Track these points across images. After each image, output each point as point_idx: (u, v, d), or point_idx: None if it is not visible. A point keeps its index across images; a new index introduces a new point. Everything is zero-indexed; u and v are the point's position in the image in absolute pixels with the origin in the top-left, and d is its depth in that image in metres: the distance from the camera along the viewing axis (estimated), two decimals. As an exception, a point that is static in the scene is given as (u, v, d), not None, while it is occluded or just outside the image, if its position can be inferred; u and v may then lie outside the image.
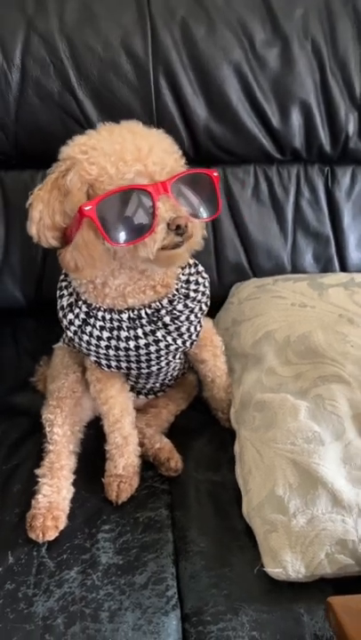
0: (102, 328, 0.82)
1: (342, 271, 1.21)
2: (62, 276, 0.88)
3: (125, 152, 0.71)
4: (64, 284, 0.87)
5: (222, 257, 1.19)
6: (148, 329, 0.82)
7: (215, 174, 0.78)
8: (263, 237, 1.18)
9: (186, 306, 0.84)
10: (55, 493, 0.83)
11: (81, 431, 0.93)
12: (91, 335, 0.83)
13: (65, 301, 0.85)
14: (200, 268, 0.90)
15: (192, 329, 0.85)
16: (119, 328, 0.82)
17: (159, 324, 0.82)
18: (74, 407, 0.91)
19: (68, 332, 0.85)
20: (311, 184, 1.18)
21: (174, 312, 0.83)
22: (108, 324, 0.82)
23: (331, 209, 1.19)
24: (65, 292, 0.86)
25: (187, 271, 0.88)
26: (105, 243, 0.73)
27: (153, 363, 0.86)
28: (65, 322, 0.85)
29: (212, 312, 1.11)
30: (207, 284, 0.89)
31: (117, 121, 0.81)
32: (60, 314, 0.86)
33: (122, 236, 0.72)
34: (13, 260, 1.16)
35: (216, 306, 1.14)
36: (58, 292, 0.87)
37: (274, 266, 1.19)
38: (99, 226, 0.70)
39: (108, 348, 0.83)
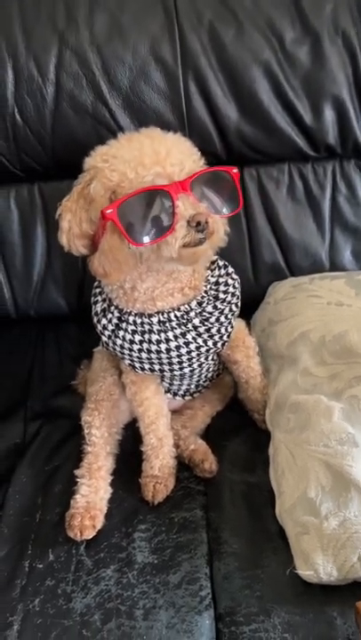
0: (134, 332, 0.84)
1: (383, 267, 1.19)
2: (96, 283, 0.91)
3: (144, 156, 0.74)
4: (98, 290, 0.90)
5: (258, 257, 1.19)
6: (178, 331, 0.83)
7: (234, 171, 0.78)
8: (300, 236, 1.18)
9: (215, 307, 0.85)
10: (93, 493, 0.85)
11: (118, 433, 0.96)
12: (123, 339, 0.85)
13: (99, 307, 0.88)
14: (230, 269, 0.90)
15: (222, 330, 0.86)
16: (150, 331, 0.84)
17: (189, 326, 0.84)
18: (111, 409, 0.94)
19: (103, 337, 0.87)
20: (348, 180, 1.16)
21: (204, 314, 0.84)
22: (139, 328, 0.84)
23: (369, 204, 1.17)
24: (99, 297, 0.89)
25: (216, 273, 0.89)
26: (129, 245, 0.75)
27: (185, 365, 0.88)
28: (99, 327, 0.87)
29: (250, 313, 1.12)
30: (237, 285, 0.89)
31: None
32: (95, 319, 0.89)
33: (144, 236, 0.73)
34: (56, 269, 1.21)
35: (253, 306, 1.14)
36: (92, 298, 0.90)
37: (312, 264, 1.18)
38: (120, 227, 0.72)
39: (140, 351, 0.85)
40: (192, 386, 0.98)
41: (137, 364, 0.88)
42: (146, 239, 0.74)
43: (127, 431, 0.98)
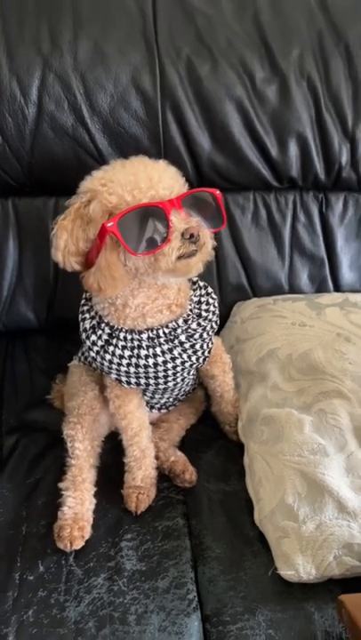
0: (124, 347, 0.88)
1: (336, 290, 1.29)
2: (83, 301, 0.94)
3: (140, 181, 0.80)
4: (85, 307, 0.93)
5: (224, 278, 1.26)
6: (165, 347, 0.88)
7: (217, 192, 0.86)
8: (262, 259, 1.26)
9: (199, 324, 0.91)
10: (79, 505, 0.88)
11: (99, 445, 0.98)
12: (113, 354, 0.89)
13: (87, 324, 0.91)
14: (209, 289, 0.97)
15: (205, 346, 0.92)
16: (139, 347, 0.88)
17: (176, 342, 0.89)
18: (93, 423, 0.97)
19: (91, 353, 0.91)
20: (307, 210, 1.26)
21: (189, 330, 0.90)
22: (129, 344, 0.88)
23: (325, 232, 1.27)
24: (87, 315, 0.92)
25: (198, 293, 0.95)
26: (126, 260, 0.81)
27: (170, 379, 0.93)
28: (88, 343, 0.91)
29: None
30: (216, 305, 0.96)
31: (127, 153, 0.90)
32: (83, 335, 0.92)
33: (142, 247, 0.79)
34: (26, 282, 1.23)
35: (219, 324, 1.20)
36: (80, 315, 0.93)
37: (272, 286, 1.27)
38: (121, 239, 0.77)
39: (129, 365, 0.89)
40: (171, 399, 1.03)
41: (123, 378, 0.92)
42: (144, 249, 0.79)
43: (106, 444, 1.01)
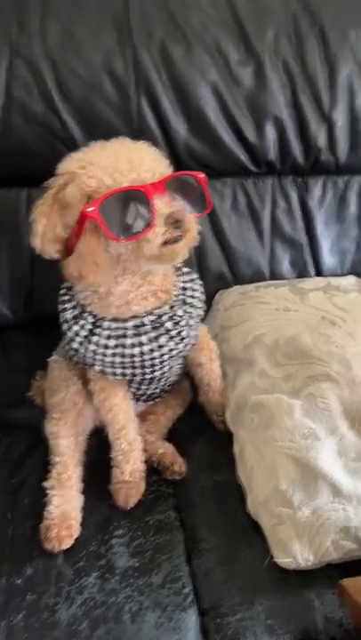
0: (108, 337, 0.85)
1: (317, 275, 1.28)
2: (63, 290, 0.91)
3: (120, 164, 0.77)
4: (66, 297, 0.90)
5: (205, 267, 1.23)
6: (151, 335, 0.86)
7: (201, 175, 0.84)
8: (243, 246, 1.24)
9: (185, 311, 0.89)
10: (66, 503, 0.85)
11: (84, 441, 0.95)
12: (97, 345, 0.86)
13: (69, 314, 0.88)
14: (194, 275, 0.95)
15: (191, 333, 0.90)
16: (124, 336, 0.85)
17: (162, 329, 0.87)
18: (77, 418, 0.94)
19: (74, 344, 0.87)
20: (286, 195, 1.24)
21: (175, 317, 0.88)
22: (113, 333, 0.85)
23: (305, 217, 1.25)
24: (67, 305, 0.89)
25: (182, 279, 0.93)
26: (108, 246, 0.78)
27: (157, 368, 0.90)
28: (70, 334, 0.87)
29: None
30: (202, 291, 0.94)
31: (101, 139, 0.85)
32: (65, 326, 0.88)
33: (124, 233, 0.76)
34: (1, 277, 1.18)
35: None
36: (59, 306, 0.90)
37: (254, 273, 1.25)
38: (102, 225, 0.74)
39: (114, 355, 0.86)
40: (157, 390, 1.00)
41: (108, 369, 0.89)
42: (126, 235, 0.76)
43: (91, 440, 0.98)
